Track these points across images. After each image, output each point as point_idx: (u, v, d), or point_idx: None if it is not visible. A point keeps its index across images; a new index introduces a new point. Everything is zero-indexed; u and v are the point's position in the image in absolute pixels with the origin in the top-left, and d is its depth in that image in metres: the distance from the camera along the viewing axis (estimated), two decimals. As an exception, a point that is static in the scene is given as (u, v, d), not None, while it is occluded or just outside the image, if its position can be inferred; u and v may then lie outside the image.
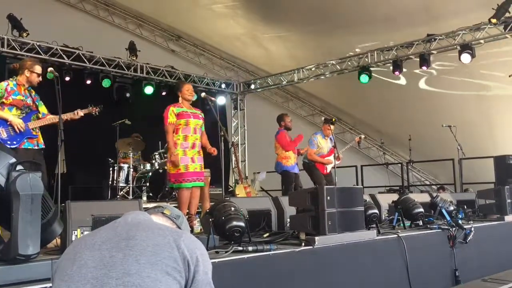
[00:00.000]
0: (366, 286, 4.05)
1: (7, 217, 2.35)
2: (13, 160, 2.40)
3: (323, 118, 8.16)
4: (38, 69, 4.83)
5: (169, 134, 5.14)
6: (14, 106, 4.62)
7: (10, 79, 4.79)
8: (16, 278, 2.37)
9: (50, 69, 4.89)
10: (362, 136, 8.84)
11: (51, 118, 4.80)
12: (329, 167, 7.96)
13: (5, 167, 2.37)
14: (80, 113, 5.06)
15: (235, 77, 12.79)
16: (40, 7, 9.26)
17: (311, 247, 3.70)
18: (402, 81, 10.28)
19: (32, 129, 4.70)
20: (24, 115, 4.69)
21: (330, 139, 7.96)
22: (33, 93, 4.90)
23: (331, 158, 7.84)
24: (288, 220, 4.60)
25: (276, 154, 7.67)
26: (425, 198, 5.94)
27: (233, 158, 10.81)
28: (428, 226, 5.01)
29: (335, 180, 7.48)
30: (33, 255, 2.39)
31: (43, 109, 4.92)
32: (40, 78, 4.84)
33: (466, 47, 8.33)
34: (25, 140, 4.63)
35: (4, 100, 4.58)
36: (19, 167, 2.40)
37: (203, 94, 5.53)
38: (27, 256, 2.36)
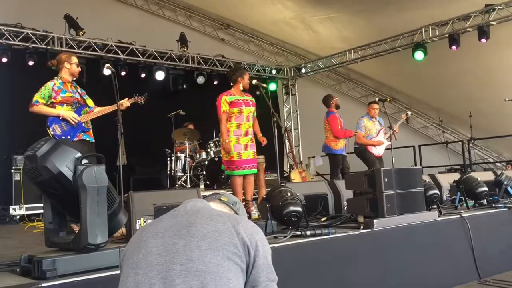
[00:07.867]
0: (429, 268, 3.97)
1: (76, 209, 2.49)
2: (79, 154, 2.53)
3: (377, 99, 7.93)
4: (75, 59, 4.84)
5: (222, 123, 5.20)
6: (64, 103, 4.61)
7: (55, 78, 4.74)
8: (87, 266, 2.52)
9: (107, 65, 5.01)
10: (409, 113, 8.59)
11: (99, 111, 4.80)
12: (381, 149, 7.76)
13: (72, 162, 2.50)
14: (127, 103, 4.95)
15: (285, 62, 12.71)
16: (93, 5, 9.58)
17: (370, 230, 3.67)
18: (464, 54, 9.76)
19: (84, 123, 4.69)
20: (75, 110, 4.67)
21: (379, 121, 7.76)
22: (79, 88, 4.89)
23: (382, 138, 7.65)
24: (345, 203, 4.57)
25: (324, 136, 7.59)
26: (489, 176, 5.71)
27: (287, 144, 10.81)
28: (493, 205, 4.84)
29: (392, 161, 7.29)
30: (101, 244, 2.52)
31: (90, 102, 4.90)
32: (80, 69, 4.83)
33: (528, 16, 7.87)
34: (82, 133, 4.65)
35: (53, 100, 4.57)
36: (84, 161, 2.53)
37: (254, 81, 5.56)
38: (96, 245, 2.50)
